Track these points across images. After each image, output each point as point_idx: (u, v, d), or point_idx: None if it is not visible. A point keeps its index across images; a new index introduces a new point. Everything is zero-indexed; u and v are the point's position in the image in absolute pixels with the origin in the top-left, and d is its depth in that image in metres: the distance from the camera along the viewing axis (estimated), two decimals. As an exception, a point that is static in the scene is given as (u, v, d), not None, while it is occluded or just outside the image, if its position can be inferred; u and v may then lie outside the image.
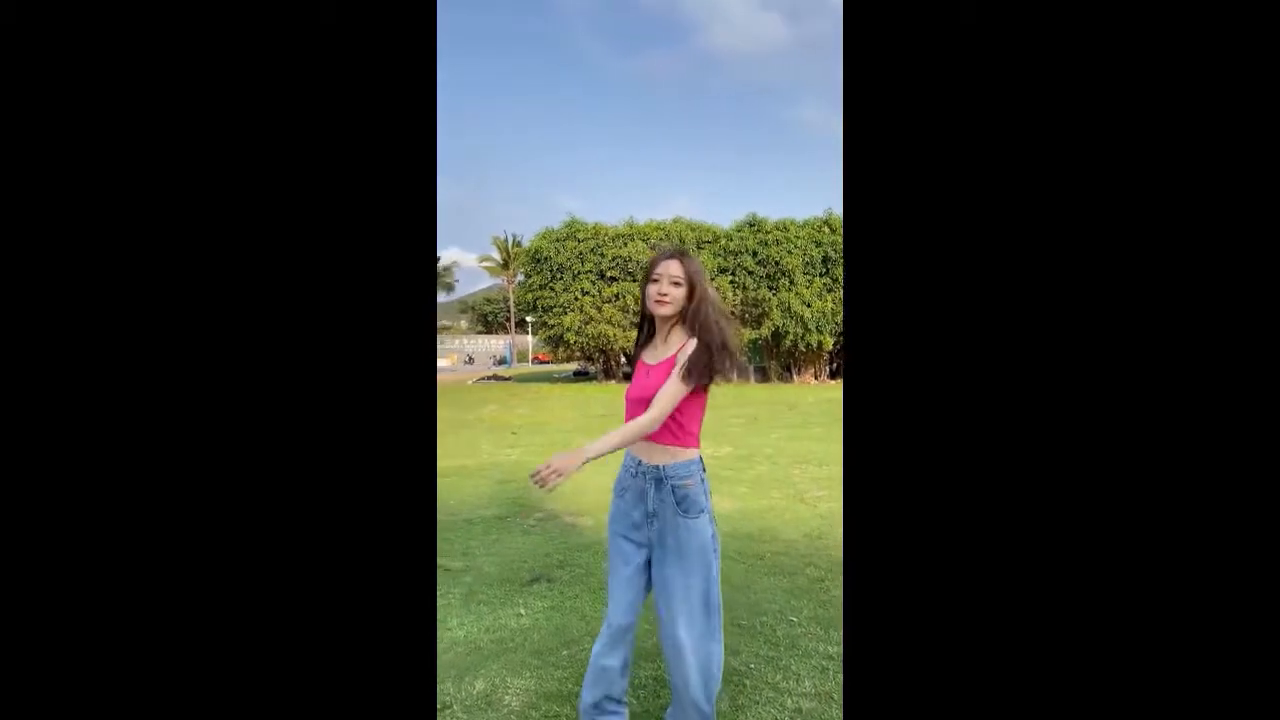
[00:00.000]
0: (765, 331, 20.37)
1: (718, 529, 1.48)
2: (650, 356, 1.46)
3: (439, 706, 1.80)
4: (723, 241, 20.96)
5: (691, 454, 1.43)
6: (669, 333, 1.45)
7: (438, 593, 2.69)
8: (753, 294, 20.56)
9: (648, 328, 1.50)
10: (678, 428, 1.41)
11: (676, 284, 1.40)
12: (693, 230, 21.17)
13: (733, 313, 20.85)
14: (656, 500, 1.40)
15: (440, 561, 3.10)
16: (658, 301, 1.40)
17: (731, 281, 20.74)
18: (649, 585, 1.46)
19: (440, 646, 2.17)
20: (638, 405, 1.39)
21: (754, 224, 21.15)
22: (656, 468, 1.40)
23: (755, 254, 20.65)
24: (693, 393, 1.39)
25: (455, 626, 2.34)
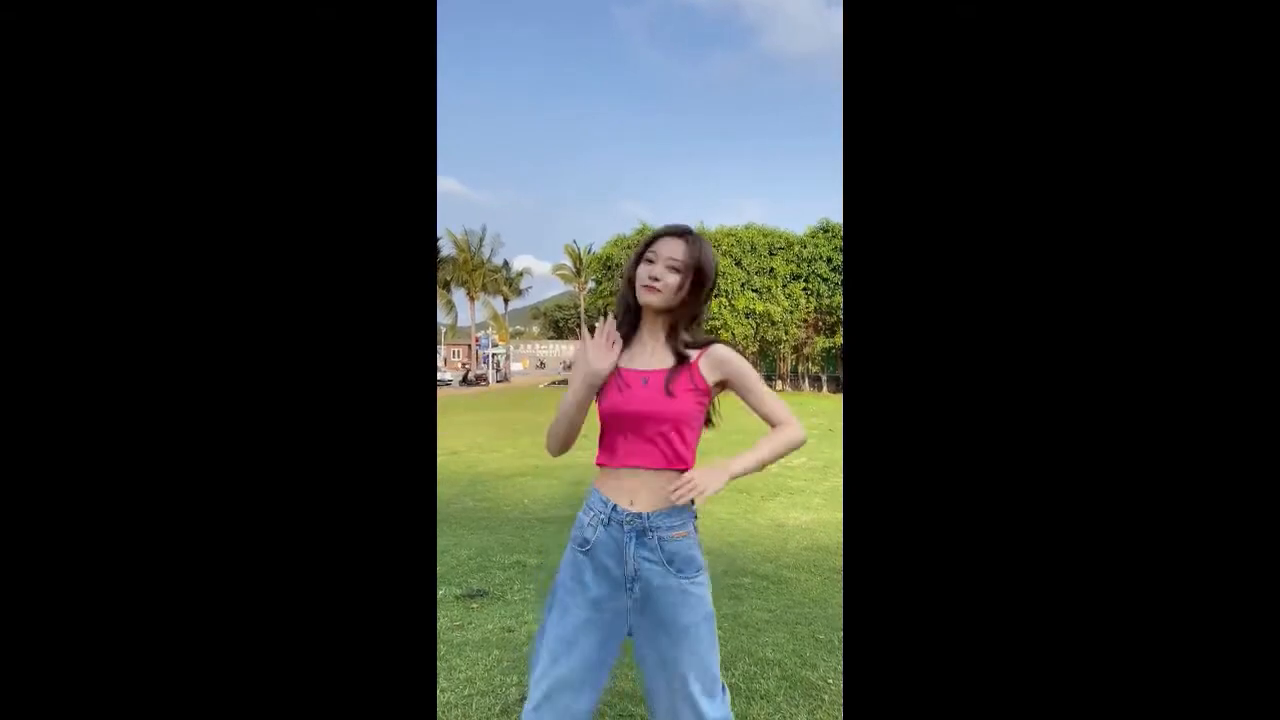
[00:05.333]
0: (840, 340, 19.77)
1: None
2: (642, 361, 1.09)
3: (519, 697, 1.84)
4: (796, 248, 20.55)
5: None
6: (660, 332, 1.10)
7: (515, 587, 2.76)
8: (827, 301, 20.01)
9: (629, 321, 1.12)
10: (687, 445, 1.06)
11: (673, 269, 1.05)
12: (765, 236, 20.88)
13: (805, 320, 20.50)
14: (639, 559, 1.03)
15: (517, 558, 3.18)
16: (647, 287, 1.05)
17: (805, 289, 20.27)
18: (610, 666, 1.08)
19: (519, 639, 2.23)
20: (643, 423, 1.04)
21: (828, 229, 20.61)
22: (640, 515, 1.03)
23: (829, 260, 20.10)
24: (702, 399, 1.08)
25: (532, 621, 2.39)
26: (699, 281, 1.08)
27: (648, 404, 1.04)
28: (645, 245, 1.09)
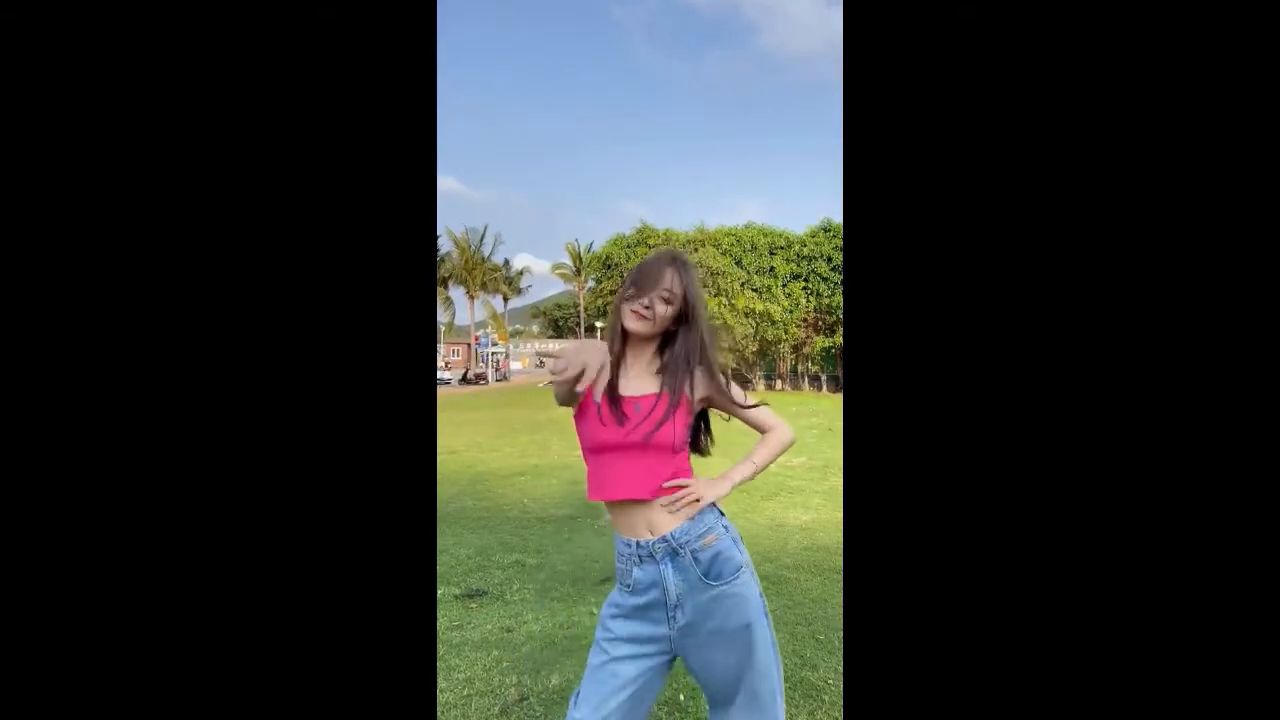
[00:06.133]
0: (840, 340, 19.82)
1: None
2: (632, 387, 1.07)
3: (518, 698, 1.84)
4: (796, 247, 20.55)
5: None
6: (645, 355, 1.10)
7: (514, 587, 2.76)
8: (827, 301, 20.01)
9: (618, 347, 1.10)
10: (680, 465, 1.05)
11: (666, 300, 1.06)
12: (765, 235, 20.88)
13: (805, 320, 20.47)
14: (677, 583, 1.01)
15: (516, 557, 3.18)
16: (636, 314, 1.05)
17: (805, 289, 20.26)
18: (656, 690, 1.06)
19: (518, 640, 2.23)
20: (640, 451, 1.02)
21: (828, 229, 20.62)
22: (664, 539, 1.02)
23: (829, 260, 20.11)
24: (685, 416, 1.07)
25: (531, 620, 2.39)
26: (686, 310, 1.08)
27: (631, 433, 1.02)
28: (637, 275, 1.08)
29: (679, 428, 1.04)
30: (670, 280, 1.06)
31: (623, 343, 1.09)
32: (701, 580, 1.01)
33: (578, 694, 1.04)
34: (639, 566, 1.03)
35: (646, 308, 1.05)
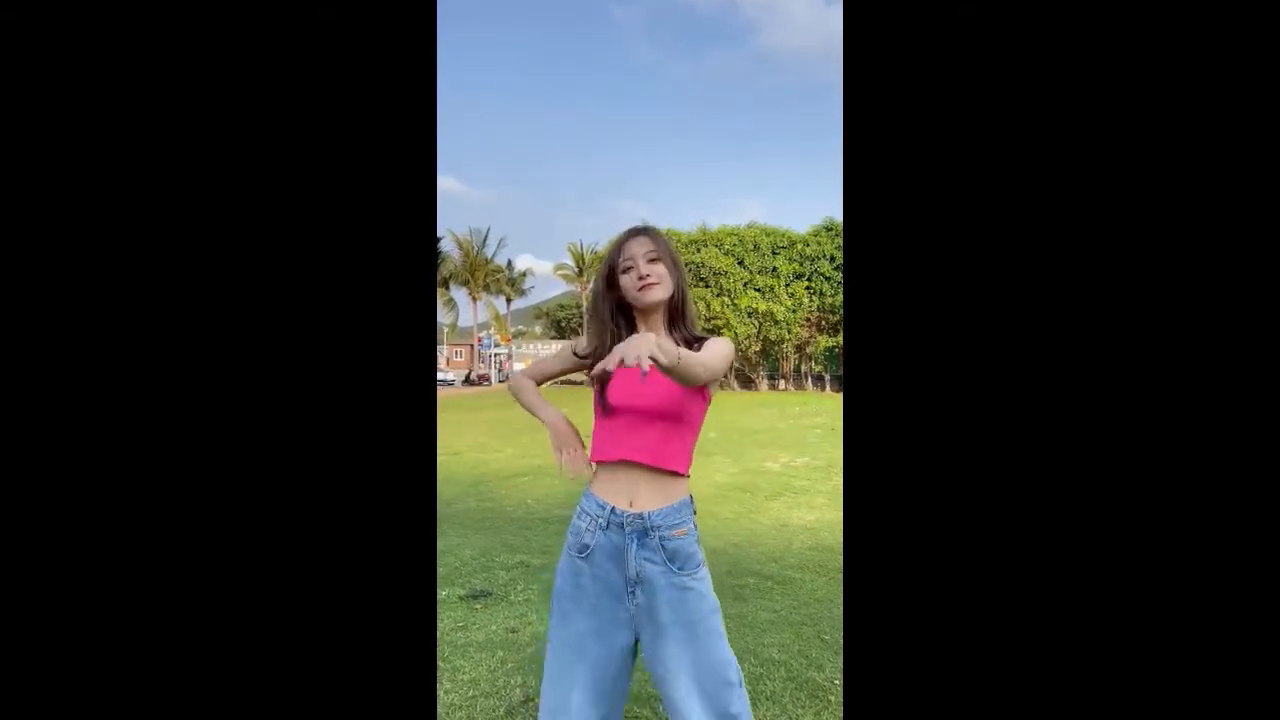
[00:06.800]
0: (842, 339, 19.74)
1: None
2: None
3: (523, 699, 1.84)
4: (799, 247, 20.52)
5: (684, 489, 1.06)
6: (658, 328, 1.12)
7: (518, 587, 2.76)
8: (830, 300, 19.98)
9: (618, 333, 1.09)
10: (684, 446, 1.06)
11: (654, 259, 1.08)
12: (768, 235, 20.85)
13: (808, 319, 20.46)
14: (641, 560, 1.02)
15: (520, 558, 3.19)
16: (644, 287, 1.06)
17: (808, 288, 20.23)
18: (628, 675, 1.06)
19: (523, 640, 2.23)
20: (644, 417, 1.03)
21: (831, 228, 20.58)
22: (641, 516, 1.02)
23: (832, 259, 20.08)
24: (704, 398, 1.09)
25: (536, 621, 2.39)
26: (676, 266, 1.10)
27: (650, 398, 1.03)
28: (615, 256, 1.10)
29: (689, 396, 1.04)
30: (644, 245, 1.08)
31: (630, 326, 1.11)
32: (666, 566, 1.02)
33: (546, 665, 1.05)
34: (603, 532, 1.03)
35: (645, 276, 1.06)
